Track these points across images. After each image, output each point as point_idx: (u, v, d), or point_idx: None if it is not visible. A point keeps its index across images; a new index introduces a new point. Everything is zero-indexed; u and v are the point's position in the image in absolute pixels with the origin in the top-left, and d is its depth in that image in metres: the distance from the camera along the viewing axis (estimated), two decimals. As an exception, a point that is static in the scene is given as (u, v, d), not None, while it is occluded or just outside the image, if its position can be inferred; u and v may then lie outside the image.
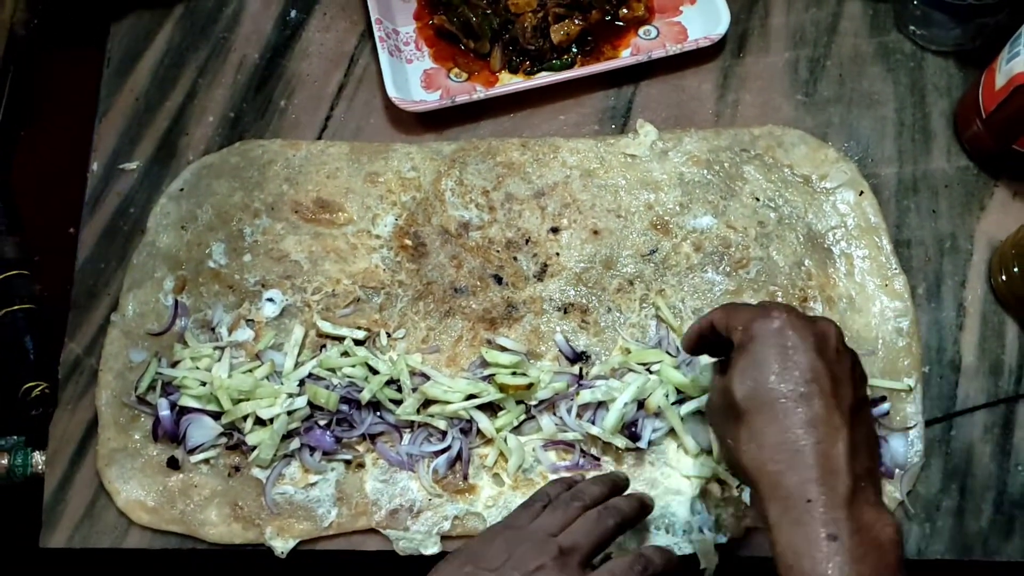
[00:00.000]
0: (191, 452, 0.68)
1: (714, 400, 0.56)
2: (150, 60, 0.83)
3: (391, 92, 0.77)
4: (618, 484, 0.62)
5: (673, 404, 0.67)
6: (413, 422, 0.68)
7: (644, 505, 0.61)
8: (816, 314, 0.70)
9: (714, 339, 0.57)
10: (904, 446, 0.67)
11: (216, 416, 0.69)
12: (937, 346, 0.71)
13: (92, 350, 0.73)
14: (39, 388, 0.70)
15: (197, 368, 0.70)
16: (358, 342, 0.71)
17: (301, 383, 0.69)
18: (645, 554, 0.55)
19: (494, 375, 0.68)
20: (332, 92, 0.81)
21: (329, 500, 0.67)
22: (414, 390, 0.68)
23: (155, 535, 0.68)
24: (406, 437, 0.69)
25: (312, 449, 0.68)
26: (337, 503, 0.67)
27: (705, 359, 0.66)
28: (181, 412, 0.69)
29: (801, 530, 0.47)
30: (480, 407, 0.68)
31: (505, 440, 0.67)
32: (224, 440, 0.69)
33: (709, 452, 0.67)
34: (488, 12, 0.82)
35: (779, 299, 0.72)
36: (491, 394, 0.67)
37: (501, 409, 0.69)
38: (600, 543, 0.55)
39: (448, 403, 0.68)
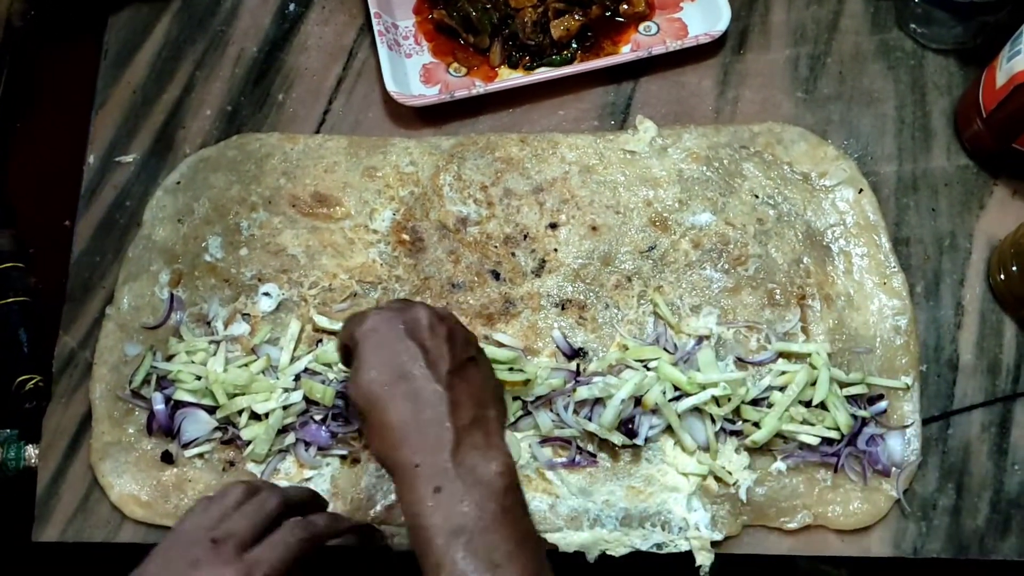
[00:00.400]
0: (185, 446, 0.68)
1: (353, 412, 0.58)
2: (148, 53, 0.82)
3: (390, 86, 0.77)
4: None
5: (670, 401, 0.67)
6: (409, 417, 0.68)
7: (313, 492, 0.62)
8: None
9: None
10: (901, 444, 0.67)
11: (211, 410, 0.68)
12: (935, 344, 0.71)
13: (87, 343, 0.72)
14: (33, 381, 0.70)
15: (192, 362, 0.70)
16: (354, 337, 0.71)
17: (297, 378, 0.69)
18: (310, 519, 0.56)
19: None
20: (330, 86, 0.81)
21: (324, 495, 0.67)
22: (410, 385, 0.68)
23: (149, 529, 0.67)
24: (402, 432, 0.68)
25: (307, 444, 0.68)
26: (332, 498, 0.67)
27: None
28: (176, 406, 0.69)
29: (415, 492, 0.50)
30: (477, 403, 0.68)
31: (501, 436, 0.67)
32: (219, 435, 0.69)
33: (706, 449, 0.67)
34: (488, 7, 0.81)
35: (777, 297, 0.71)
36: (488, 390, 0.67)
37: (498, 405, 0.68)
38: (260, 526, 0.54)
39: (444, 399, 0.67)
